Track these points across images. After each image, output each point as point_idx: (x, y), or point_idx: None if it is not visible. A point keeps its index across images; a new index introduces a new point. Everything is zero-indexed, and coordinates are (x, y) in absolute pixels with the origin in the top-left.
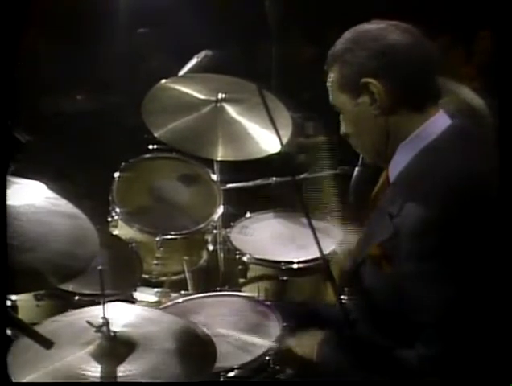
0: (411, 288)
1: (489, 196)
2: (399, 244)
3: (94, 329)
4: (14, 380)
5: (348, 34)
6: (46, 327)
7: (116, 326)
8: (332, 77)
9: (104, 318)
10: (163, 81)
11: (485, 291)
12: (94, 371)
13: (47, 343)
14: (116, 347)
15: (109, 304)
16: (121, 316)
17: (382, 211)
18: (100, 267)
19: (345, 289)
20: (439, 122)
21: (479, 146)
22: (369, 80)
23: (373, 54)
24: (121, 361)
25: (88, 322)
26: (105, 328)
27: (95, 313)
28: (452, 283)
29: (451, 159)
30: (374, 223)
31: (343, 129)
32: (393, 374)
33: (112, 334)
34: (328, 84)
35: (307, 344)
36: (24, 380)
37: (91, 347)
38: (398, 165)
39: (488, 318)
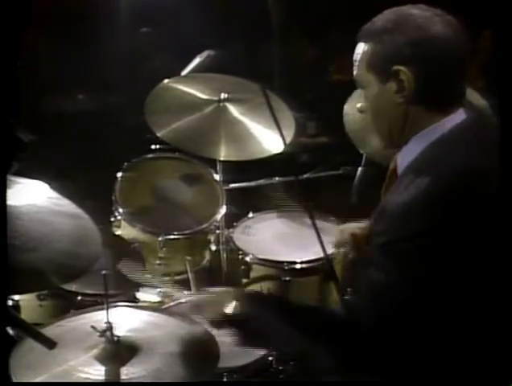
0: (411, 283)
1: (491, 193)
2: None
3: (98, 333)
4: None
5: (390, 15)
6: (50, 331)
7: (120, 331)
8: (362, 53)
9: (108, 322)
10: (166, 81)
11: (485, 289)
12: (98, 374)
13: (49, 343)
14: (119, 351)
15: (113, 308)
16: (124, 320)
17: (390, 200)
18: (104, 272)
19: (348, 288)
20: (455, 119)
21: (483, 143)
22: (402, 67)
23: (412, 42)
24: (124, 365)
25: (93, 327)
26: (108, 333)
27: (99, 317)
28: (453, 280)
29: (456, 153)
30: (381, 212)
31: (361, 105)
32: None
33: (115, 338)
34: (356, 58)
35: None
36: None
37: (95, 351)
38: (408, 155)
39: (487, 317)
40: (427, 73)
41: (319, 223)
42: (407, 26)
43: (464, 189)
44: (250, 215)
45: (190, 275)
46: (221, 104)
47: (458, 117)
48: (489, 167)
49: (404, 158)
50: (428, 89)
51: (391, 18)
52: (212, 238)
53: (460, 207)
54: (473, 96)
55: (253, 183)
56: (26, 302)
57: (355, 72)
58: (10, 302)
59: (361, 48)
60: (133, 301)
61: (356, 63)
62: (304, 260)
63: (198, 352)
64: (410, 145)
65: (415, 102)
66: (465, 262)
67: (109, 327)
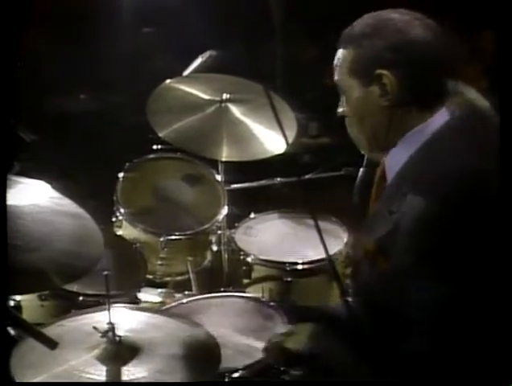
0: (408, 284)
1: (488, 194)
2: (397, 240)
3: (100, 334)
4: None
5: (369, 19)
6: (52, 331)
7: (121, 331)
8: (342, 58)
9: (109, 323)
10: (168, 81)
11: (484, 290)
12: (99, 374)
13: (51, 343)
14: (121, 352)
15: (114, 309)
16: (126, 321)
17: (382, 208)
18: (105, 272)
19: (349, 289)
20: (440, 119)
21: (479, 144)
22: (384, 71)
23: (392, 46)
24: (125, 365)
25: (94, 328)
26: (110, 333)
27: (101, 318)
28: (450, 281)
29: (448, 156)
30: (373, 221)
31: (342, 110)
32: (384, 368)
33: (117, 338)
34: (337, 63)
35: (297, 338)
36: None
37: (96, 351)
38: (396, 159)
39: (487, 317)
40: (410, 76)
41: (320, 223)
42: (387, 30)
43: (463, 193)
44: (252, 215)
45: (191, 275)
46: (223, 104)
47: (443, 116)
48: (489, 168)
49: (392, 162)
50: (412, 91)
51: (370, 22)
52: (213, 238)
53: (463, 213)
54: (474, 96)
55: (254, 184)
56: (27, 302)
57: (336, 77)
58: (11, 303)
59: (341, 53)
60: (134, 301)
61: (336, 69)
62: (306, 261)
63: (199, 353)
64: (398, 148)
65: (399, 105)
66: (468, 265)
67: (111, 328)
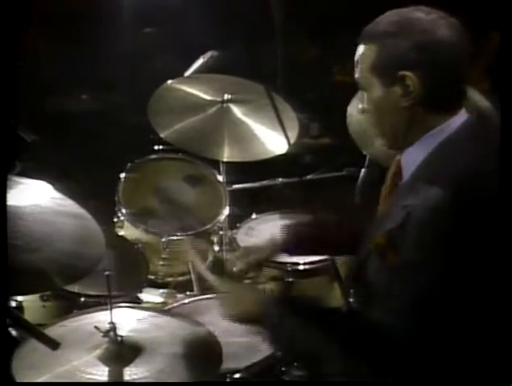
0: (417, 278)
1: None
2: (407, 233)
3: (102, 334)
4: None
5: (394, 17)
6: (53, 331)
7: (123, 331)
8: (364, 55)
9: (111, 323)
10: (169, 82)
11: (488, 288)
12: (101, 374)
13: (53, 344)
14: (123, 352)
15: (116, 309)
16: (128, 321)
17: (395, 204)
18: (107, 273)
19: (351, 289)
20: (458, 121)
21: (488, 145)
22: (408, 73)
23: (417, 46)
24: (127, 365)
25: (96, 327)
26: (112, 333)
27: (102, 318)
28: (457, 277)
29: (463, 156)
30: (384, 216)
31: (363, 106)
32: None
33: (119, 338)
34: (358, 60)
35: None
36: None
37: (98, 351)
38: (413, 158)
39: (488, 316)
40: (433, 77)
41: None
42: (412, 30)
43: (476, 189)
44: (253, 216)
45: (193, 276)
46: (224, 104)
47: (461, 117)
48: (494, 168)
49: (409, 161)
50: (434, 93)
51: (394, 20)
52: (215, 239)
53: (475, 206)
54: (477, 98)
55: (256, 184)
56: (29, 303)
57: (357, 75)
58: (13, 303)
59: (362, 50)
60: (136, 301)
61: (358, 66)
62: (307, 261)
63: (201, 353)
64: (415, 148)
65: (420, 105)
66: (474, 264)
67: (113, 328)
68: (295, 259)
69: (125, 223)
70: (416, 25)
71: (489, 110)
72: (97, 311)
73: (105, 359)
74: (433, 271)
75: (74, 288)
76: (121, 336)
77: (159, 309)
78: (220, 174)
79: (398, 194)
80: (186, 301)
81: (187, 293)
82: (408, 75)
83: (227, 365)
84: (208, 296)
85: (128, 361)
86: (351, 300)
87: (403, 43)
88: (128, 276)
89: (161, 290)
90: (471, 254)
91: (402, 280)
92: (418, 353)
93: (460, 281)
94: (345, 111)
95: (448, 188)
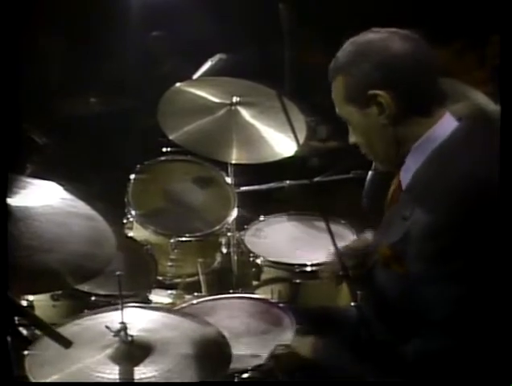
0: (420, 289)
1: (494, 201)
2: (409, 245)
3: (113, 333)
4: (32, 381)
5: (350, 47)
6: (65, 330)
7: (133, 331)
8: (336, 89)
9: (122, 322)
10: (178, 84)
11: (489, 292)
12: (111, 373)
13: (66, 343)
14: (133, 351)
15: (127, 309)
16: (138, 321)
17: (396, 214)
18: (118, 273)
19: (359, 292)
20: (446, 125)
21: (488, 149)
22: (377, 91)
23: (377, 65)
24: (137, 364)
25: (107, 327)
26: (123, 333)
27: (114, 317)
28: (458, 286)
29: (458, 163)
30: (387, 226)
31: (352, 138)
32: (390, 370)
33: (129, 338)
34: (333, 96)
35: (306, 344)
36: (42, 381)
37: (109, 350)
38: (409, 169)
39: (489, 318)
40: (402, 89)
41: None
42: (369, 52)
43: (472, 196)
44: (261, 218)
45: (201, 277)
46: (233, 107)
47: (449, 123)
48: (495, 172)
49: (406, 170)
50: (408, 103)
51: (352, 49)
52: (223, 240)
53: (472, 215)
54: (482, 100)
55: (264, 186)
56: (39, 302)
57: (337, 110)
58: (24, 303)
59: (333, 86)
60: (145, 302)
61: (335, 101)
62: (315, 262)
63: (210, 353)
64: (408, 161)
65: (400, 119)
66: (472, 264)
67: (124, 327)
68: (302, 260)
69: (135, 224)
70: (371, 46)
71: (494, 112)
72: (108, 311)
73: (116, 358)
74: (437, 281)
75: (84, 287)
76: (132, 336)
77: (170, 309)
78: (228, 176)
79: (398, 203)
80: (194, 302)
81: (196, 294)
82: (378, 93)
83: (235, 365)
84: (216, 297)
85: (138, 360)
86: (357, 303)
87: (365, 66)
88: (137, 277)
89: (169, 291)
90: (467, 266)
91: (407, 289)
92: (421, 355)
93: (461, 284)
94: None
95: (439, 208)
